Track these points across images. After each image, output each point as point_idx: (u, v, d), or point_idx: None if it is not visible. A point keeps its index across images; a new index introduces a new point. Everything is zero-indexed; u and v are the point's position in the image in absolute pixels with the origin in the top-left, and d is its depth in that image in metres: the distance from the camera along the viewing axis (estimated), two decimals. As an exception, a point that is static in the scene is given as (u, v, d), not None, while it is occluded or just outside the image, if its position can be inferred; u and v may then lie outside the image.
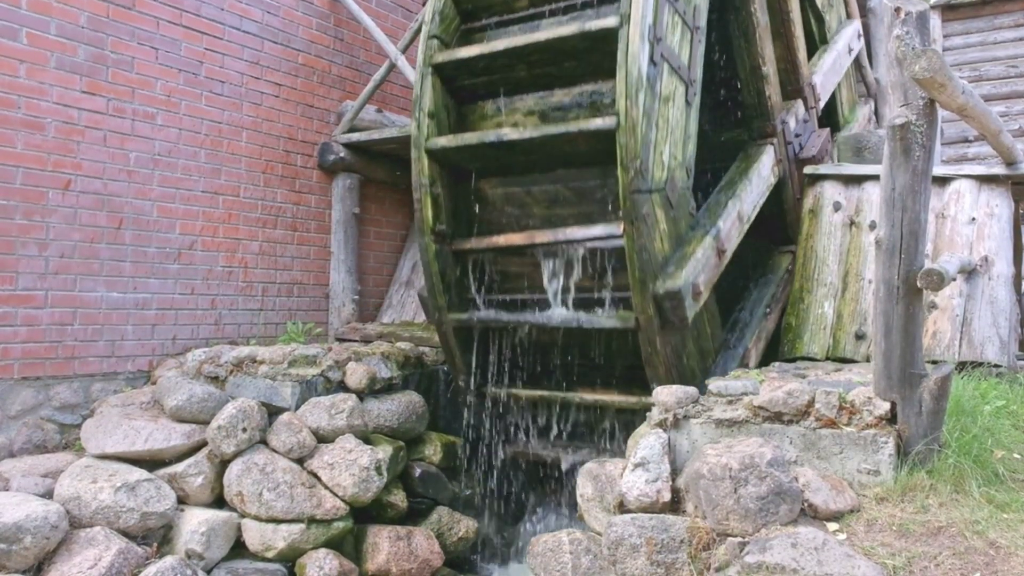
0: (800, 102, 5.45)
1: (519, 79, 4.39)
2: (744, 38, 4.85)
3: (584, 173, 4.22)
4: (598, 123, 3.87)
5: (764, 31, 4.90)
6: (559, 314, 4.20)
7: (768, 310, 4.95)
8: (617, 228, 3.86)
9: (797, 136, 5.39)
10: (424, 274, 4.51)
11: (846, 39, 6.43)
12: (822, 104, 5.86)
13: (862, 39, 6.90)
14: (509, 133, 4.13)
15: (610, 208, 4.07)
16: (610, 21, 3.86)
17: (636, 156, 3.70)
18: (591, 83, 4.23)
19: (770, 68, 5.00)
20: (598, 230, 4.01)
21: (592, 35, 3.94)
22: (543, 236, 4.16)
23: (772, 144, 5.03)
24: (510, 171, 4.43)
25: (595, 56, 4.04)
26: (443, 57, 4.42)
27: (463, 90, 4.60)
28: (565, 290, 4.22)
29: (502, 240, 4.32)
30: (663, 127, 3.98)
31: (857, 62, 6.99)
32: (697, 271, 4.01)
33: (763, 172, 4.93)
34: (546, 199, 4.37)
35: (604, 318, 4.05)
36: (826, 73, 5.95)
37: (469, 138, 4.31)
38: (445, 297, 4.46)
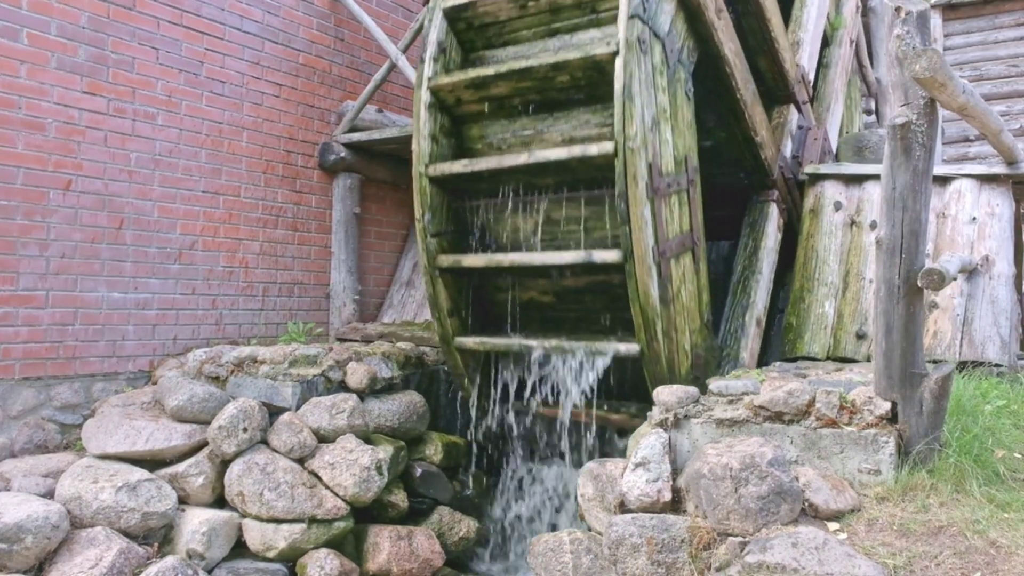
0: (792, 107, 5.34)
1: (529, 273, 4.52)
2: (733, 116, 4.76)
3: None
4: (622, 349, 3.96)
5: (753, 106, 4.79)
6: None
7: None
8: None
9: (795, 157, 5.35)
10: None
11: None
12: (813, 71, 5.66)
13: None
14: (535, 347, 4.21)
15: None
16: (613, 256, 3.88)
17: (663, 379, 3.85)
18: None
19: (764, 132, 4.91)
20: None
21: (597, 267, 4.01)
22: (580, 415, 4.29)
23: (774, 201, 5.07)
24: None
25: (606, 275, 4.14)
26: (447, 262, 4.42)
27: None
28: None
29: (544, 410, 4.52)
30: (681, 319, 4.09)
31: None
32: None
33: (770, 244, 4.99)
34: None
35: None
36: (813, 29, 5.65)
37: (497, 344, 4.40)
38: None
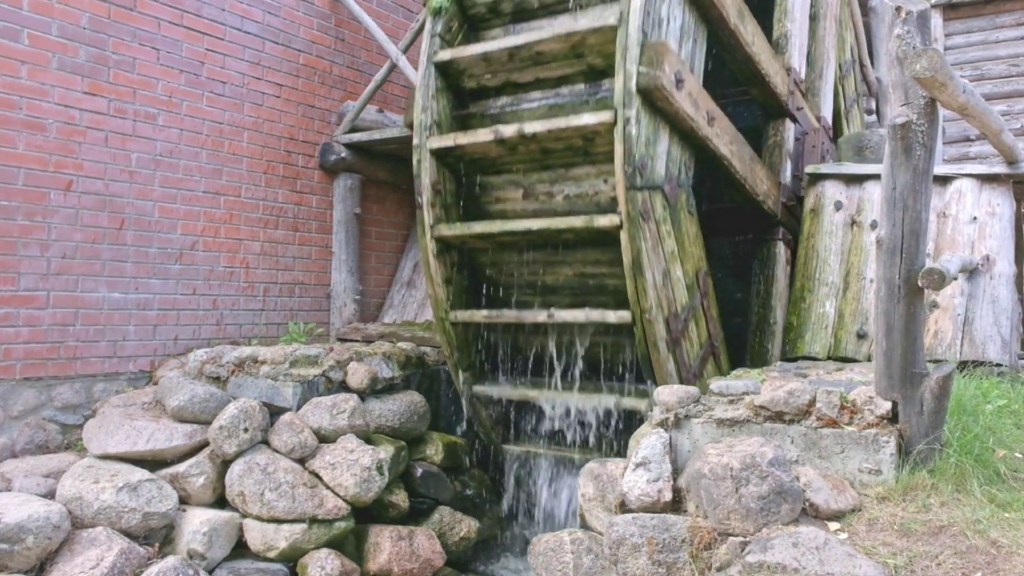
0: (788, 121, 5.29)
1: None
2: (734, 187, 4.77)
3: None
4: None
5: (753, 173, 4.76)
6: None
7: None
8: None
9: (795, 176, 5.33)
10: None
11: None
12: (804, 62, 5.53)
13: None
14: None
15: None
16: (643, 406, 4.01)
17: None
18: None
19: (765, 186, 4.91)
20: None
21: (625, 409, 4.14)
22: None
23: (780, 239, 5.14)
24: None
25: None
26: (483, 393, 4.67)
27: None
28: None
29: None
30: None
31: None
32: None
33: (780, 288, 5.08)
34: None
35: None
36: (800, 17, 5.45)
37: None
38: None
